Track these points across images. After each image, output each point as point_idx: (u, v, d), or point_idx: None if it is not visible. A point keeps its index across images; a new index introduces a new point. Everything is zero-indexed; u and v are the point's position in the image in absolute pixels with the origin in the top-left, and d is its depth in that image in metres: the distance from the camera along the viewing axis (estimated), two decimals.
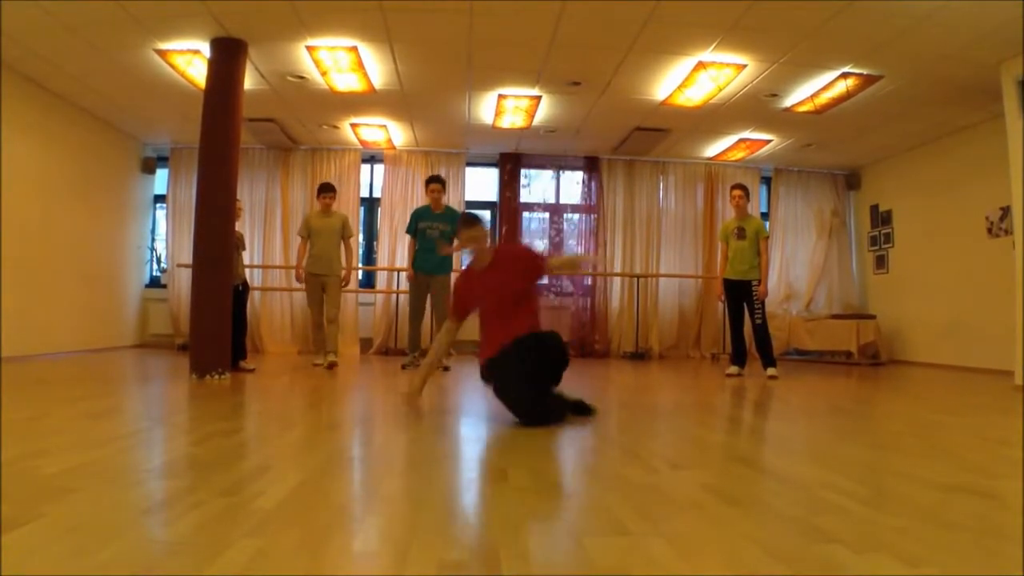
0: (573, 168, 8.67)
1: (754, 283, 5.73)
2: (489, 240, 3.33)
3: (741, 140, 7.64)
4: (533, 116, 6.94)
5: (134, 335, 8.20)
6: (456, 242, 3.47)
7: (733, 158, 8.34)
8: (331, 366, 5.85)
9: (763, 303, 5.73)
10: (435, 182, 6.01)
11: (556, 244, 8.67)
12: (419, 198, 7.90)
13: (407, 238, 6.22)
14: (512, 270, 3.29)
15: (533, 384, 3.09)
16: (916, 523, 1.63)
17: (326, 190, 6.10)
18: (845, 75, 5.57)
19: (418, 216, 6.09)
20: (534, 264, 3.35)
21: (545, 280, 8.40)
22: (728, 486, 2.02)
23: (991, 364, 6.28)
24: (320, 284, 5.99)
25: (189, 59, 5.48)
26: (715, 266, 8.00)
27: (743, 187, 5.94)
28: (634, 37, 5.03)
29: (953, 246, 7.15)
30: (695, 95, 6.17)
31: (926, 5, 4.33)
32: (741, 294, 5.79)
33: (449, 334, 3.46)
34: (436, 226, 5.83)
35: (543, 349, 3.16)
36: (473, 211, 4.19)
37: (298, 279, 6.18)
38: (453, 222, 5.70)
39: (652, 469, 2.22)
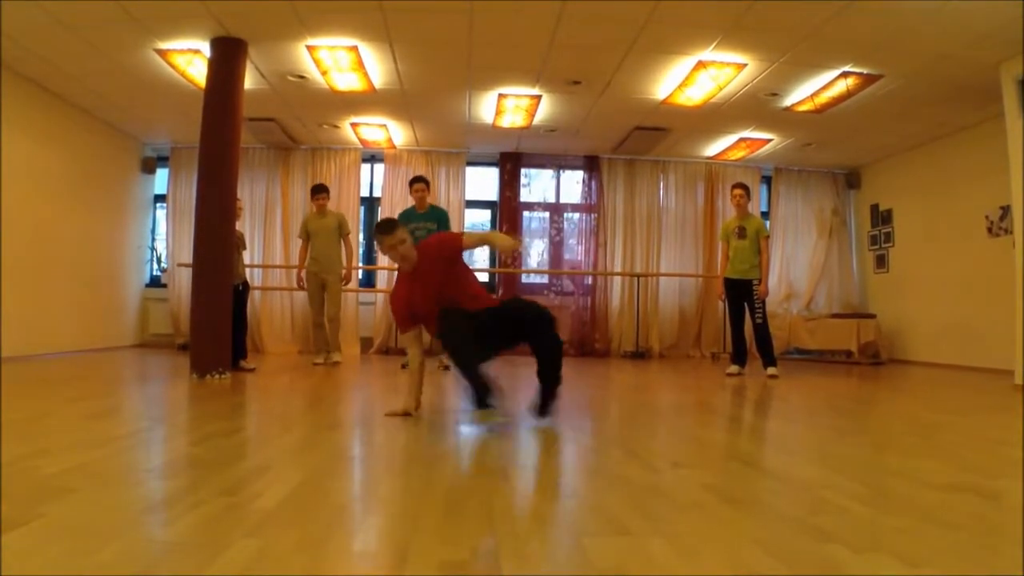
0: (573, 167, 8.67)
1: (754, 282, 5.72)
2: (409, 240, 3.22)
3: (741, 139, 7.63)
4: (533, 115, 6.94)
5: (134, 335, 8.20)
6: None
7: (733, 157, 8.33)
8: (333, 365, 5.87)
9: (763, 302, 5.72)
10: (418, 182, 5.93)
11: (556, 243, 8.67)
12: None
13: None
14: (438, 257, 3.21)
15: (481, 337, 3.00)
16: (916, 523, 1.63)
17: (319, 191, 6.11)
18: (845, 74, 5.57)
19: (405, 218, 6.06)
20: (451, 244, 3.28)
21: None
22: (728, 486, 2.02)
23: (991, 364, 6.28)
24: (320, 283, 6.01)
25: (189, 59, 5.48)
26: (715, 265, 8.00)
27: (744, 186, 5.93)
28: (634, 37, 5.03)
29: (953, 245, 7.15)
30: (695, 94, 6.16)
31: (926, 5, 4.32)
32: (741, 293, 5.79)
33: (414, 344, 3.32)
34: (422, 226, 5.82)
35: (515, 314, 3.13)
36: (388, 217, 4.12)
37: (299, 284, 6.18)
38: (438, 220, 5.73)
39: (652, 469, 2.22)
